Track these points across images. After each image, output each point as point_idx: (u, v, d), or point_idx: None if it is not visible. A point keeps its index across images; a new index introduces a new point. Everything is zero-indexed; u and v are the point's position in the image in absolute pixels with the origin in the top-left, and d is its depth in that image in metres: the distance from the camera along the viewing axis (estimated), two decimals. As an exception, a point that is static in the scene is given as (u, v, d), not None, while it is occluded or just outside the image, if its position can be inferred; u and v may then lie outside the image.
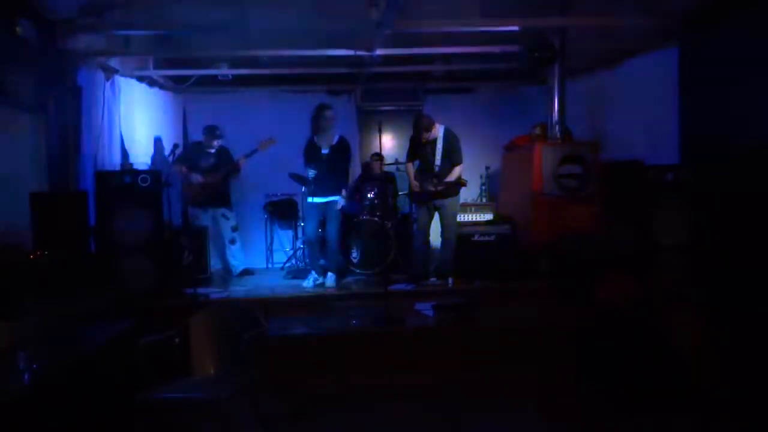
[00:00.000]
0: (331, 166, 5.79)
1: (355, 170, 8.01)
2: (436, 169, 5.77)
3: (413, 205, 6.35)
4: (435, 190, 5.71)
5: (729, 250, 4.62)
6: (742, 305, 4.24)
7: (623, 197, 5.58)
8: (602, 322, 4.46)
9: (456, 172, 5.77)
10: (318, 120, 5.75)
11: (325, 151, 5.83)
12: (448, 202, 5.81)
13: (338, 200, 5.81)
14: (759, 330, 4.05)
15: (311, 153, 5.88)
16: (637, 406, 3.83)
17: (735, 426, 3.62)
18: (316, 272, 5.93)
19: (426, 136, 5.76)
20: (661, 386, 3.92)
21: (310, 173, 5.81)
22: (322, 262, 6.10)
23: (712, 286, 4.55)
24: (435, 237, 6.17)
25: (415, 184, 5.89)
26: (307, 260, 5.99)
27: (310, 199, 5.92)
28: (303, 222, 6.26)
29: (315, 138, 5.85)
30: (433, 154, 5.79)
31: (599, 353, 4.29)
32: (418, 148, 5.93)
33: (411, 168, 6.04)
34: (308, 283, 5.87)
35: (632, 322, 4.31)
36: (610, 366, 4.16)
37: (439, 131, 5.81)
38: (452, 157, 5.77)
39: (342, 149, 5.85)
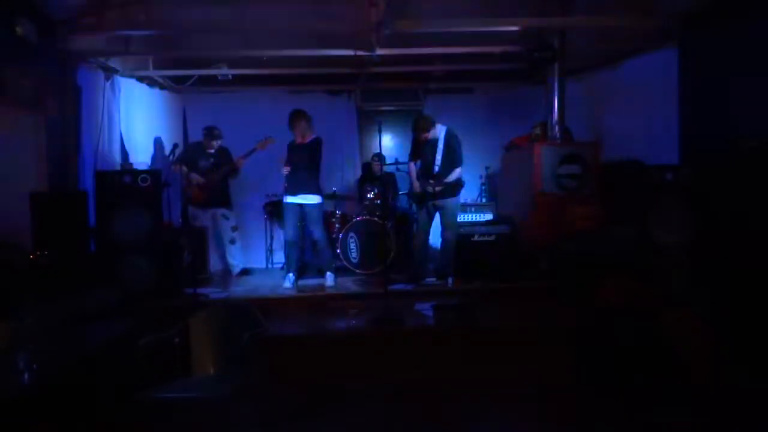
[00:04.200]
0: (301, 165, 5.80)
1: (356, 170, 8.05)
2: (436, 169, 5.76)
3: (413, 205, 6.34)
4: (434, 191, 5.71)
5: (729, 250, 4.62)
6: (742, 305, 4.24)
7: (623, 197, 5.58)
8: (602, 322, 4.45)
9: (455, 173, 5.75)
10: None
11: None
12: (448, 202, 5.80)
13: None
14: (759, 330, 4.05)
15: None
16: (637, 406, 3.82)
17: (735, 426, 3.61)
18: (294, 273, 5.93)
19: (424, 135, 5.76)
20: (661, 386, 3.91)
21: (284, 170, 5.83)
22: (318, 263, 6.12)
23: (712, 286, 4.55)
24: (435, 237, 6.17)
25: (416, 184, 5.89)
26: (289, 261, 6.00)
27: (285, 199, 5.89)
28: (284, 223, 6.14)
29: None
30: (433, 155, 5.79)
31: (599, 353, 4.29)
32: (419, 148, 5.92)
33: (413, 168, 6.03)
34: (287, 283, 5.86)
35: (632, 322, 4.31)
36: (610, 366, 4.15)
37: (440, 132, 5.80)
38: (452, 158, 5.76)
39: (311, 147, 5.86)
